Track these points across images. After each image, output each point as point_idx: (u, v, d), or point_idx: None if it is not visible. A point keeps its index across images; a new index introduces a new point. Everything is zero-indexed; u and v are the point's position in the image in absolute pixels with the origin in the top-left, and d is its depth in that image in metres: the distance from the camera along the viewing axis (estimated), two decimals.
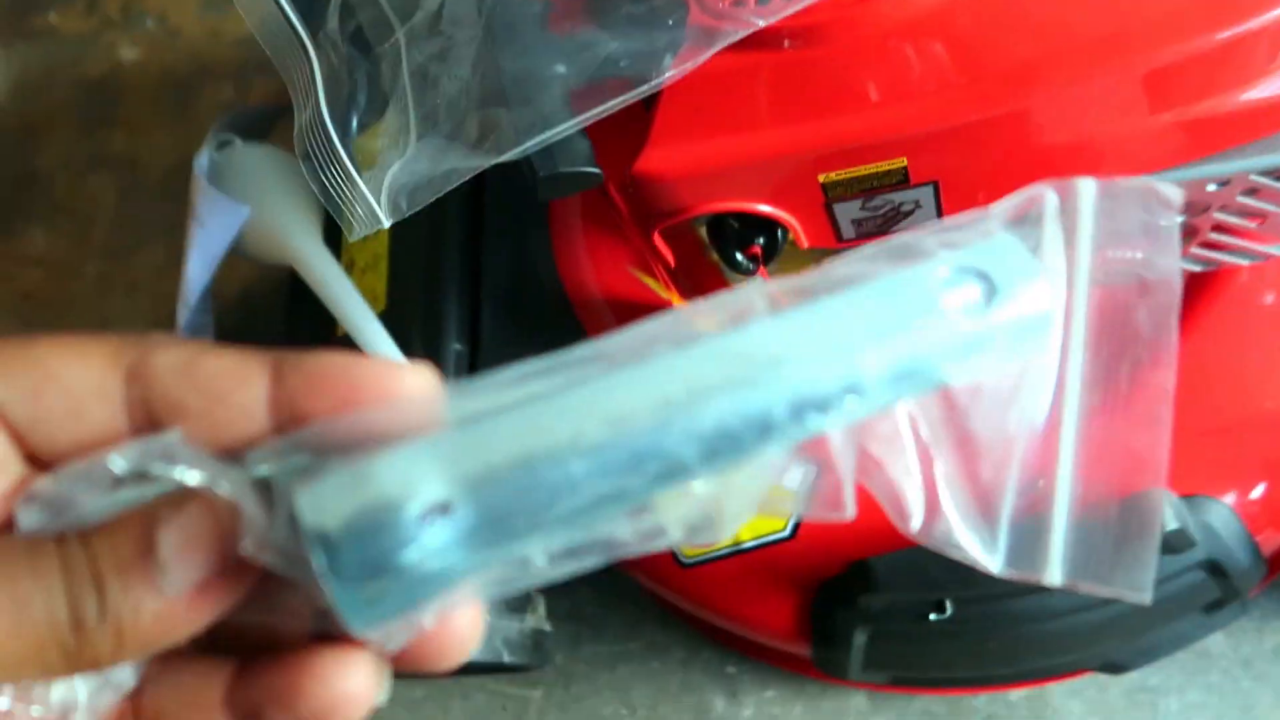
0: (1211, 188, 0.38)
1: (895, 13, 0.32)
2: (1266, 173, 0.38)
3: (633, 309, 0.55)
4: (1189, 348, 0.49)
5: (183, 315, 0.63)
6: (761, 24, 0.30)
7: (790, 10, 0.30)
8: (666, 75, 0.30)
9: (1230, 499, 0.48)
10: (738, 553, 0.50)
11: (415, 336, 0.51)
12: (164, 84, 0.98)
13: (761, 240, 0.40)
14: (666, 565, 0.52)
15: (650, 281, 0.51)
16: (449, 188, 0.29)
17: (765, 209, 0.37)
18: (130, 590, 0.15)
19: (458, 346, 0.52)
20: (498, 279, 0.54)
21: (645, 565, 0.54)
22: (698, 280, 0.50)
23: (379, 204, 0.29)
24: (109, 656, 0.15)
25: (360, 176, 0.28)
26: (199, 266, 0.60)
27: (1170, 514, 0.43)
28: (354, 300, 0.53)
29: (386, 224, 0.29)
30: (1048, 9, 0.31)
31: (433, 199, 0.29)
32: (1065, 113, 0.33)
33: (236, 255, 0.61)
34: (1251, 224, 0.41)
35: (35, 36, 1.04)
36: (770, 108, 0.33)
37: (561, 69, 0.33)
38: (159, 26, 1.00)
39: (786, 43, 0.32)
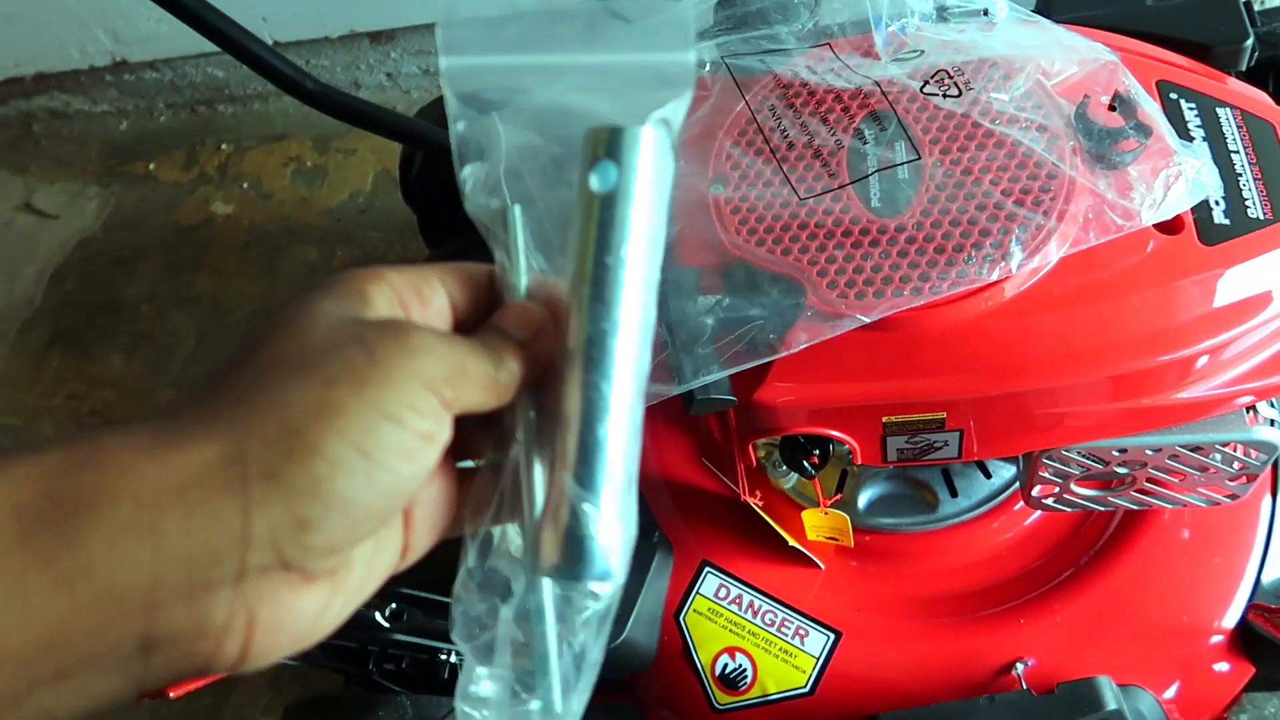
0: (1149, 452, 0.53)
1: (944, 318, 0.46)
2: (1186, 447, 0.52)
3: (692, 492, 0.67)
4: (1126, 569, 0.63)
5: None
6: (865, 320, 0.44)
7: (881, 312, 0.44)
8: (797, 347, 0.44)
9: (1154, 691, 0.60)
10: (765, 703, 0.61)
11: None
12: (252, 239, 1.11)
13: (818, 452, 0.54)
14: (699, 709, 0.63)
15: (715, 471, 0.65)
16: None
17: (836, 434, 0.50)
18: (509, 363, 0.29)
19: None
20: None
21: (679, 708, 0.64)
22: (757, 477, 0.64)
23: None
24: (506, 392, 0.29)
25: None
26: None
27: (1112, 697, 0.56)
28: None
29: None
30: (1048, 327, 0.46)
31: None
32: (1054, 396, 0.47)
33: None
34: (1175, 480, 0.56)
35: (133, 179, 1.17)
36: (856, 367, 0.47)
37: (710, 322, 0.47)
38: (253, 189, 1.13)
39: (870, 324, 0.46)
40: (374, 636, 0.58)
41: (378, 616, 0.57)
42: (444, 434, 0.27)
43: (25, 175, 1.20)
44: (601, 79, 0.30)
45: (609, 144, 0.27)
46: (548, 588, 0.29)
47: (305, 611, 0.25)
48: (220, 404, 0.25)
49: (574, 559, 0.27)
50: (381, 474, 0.25)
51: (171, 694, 0.51)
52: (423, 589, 0.63)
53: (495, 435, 0.30)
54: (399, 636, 0.59)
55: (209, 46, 0.73)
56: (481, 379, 0.28)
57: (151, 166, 1.19)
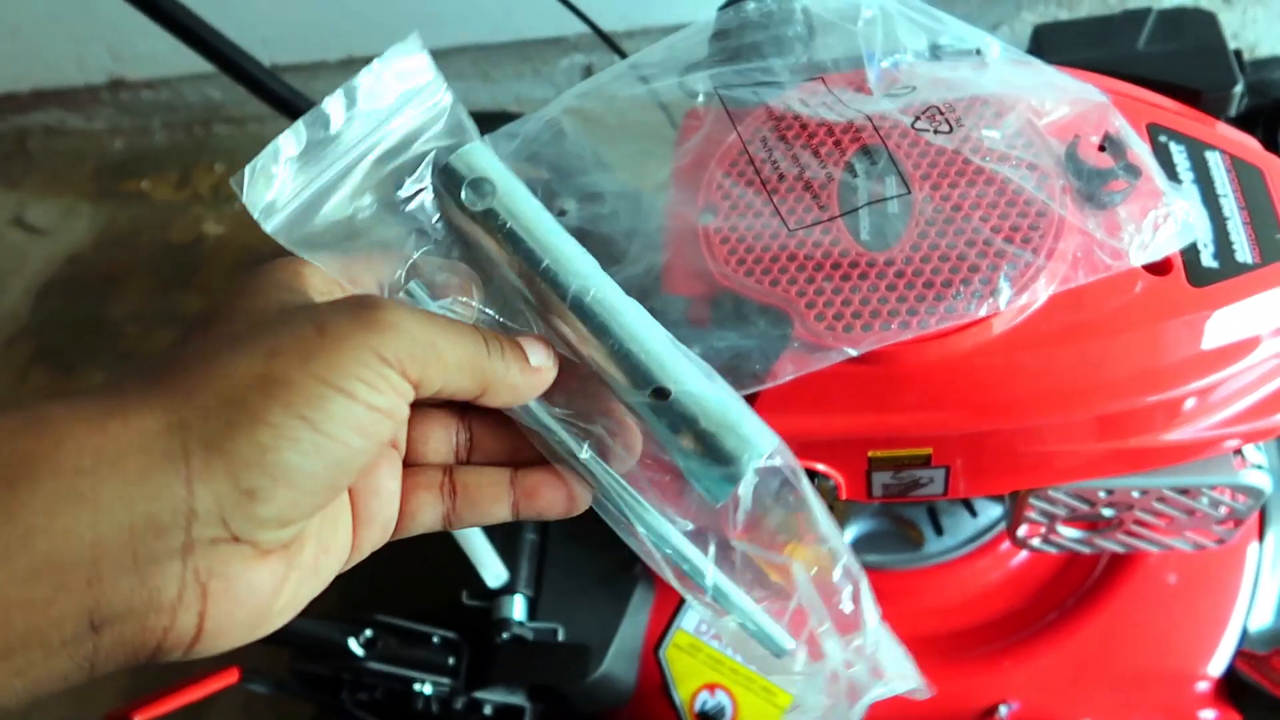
0: (1135, 494, 0.52)
1: (932, 353, 0.46)
2: (1172, 489, 0.52)
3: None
4: (1112, 613, 0.62)
5: None
6: (852, 353, 0.44)
7: (869, 345, 0.44)
8: (784, 378, 0.44)
9: None
10: None
11: None
12: (242, 260, 1.10)
13: None
14: None
15: None
16: None
17: (821, 467, 0.50)
18: (512, 356, 0.30)
19: (531, 537, 0.63)
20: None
21: None
22: None
23: None
24: (498, 386, 0.30)
25: None
26: None
27: None
28: None
29: None
30: (1036, 364, 0.46)
31: None
32: (1040, 435, 0.47)
33: None
34: (1161, 522, 0.56)
35: (126, 198, 1.17)
36: (842, 400, 0.47)
37: (696, 351, 0.47)
38: (245, 210, 1.12)
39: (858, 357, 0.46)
40: (347, 665, 0.57)
41: (352, 644, 0.56)
42: (402, 410, 0.27)
43: (18, 190, 1.20)
44: (388, 133, 0.33)
45: (464, 167, 0.33)
46: (711, 568, 0.32)
47: (260, 586, 0.25)
48: (163, 375, 0.25)
49: (724, 454, 0.31)
50: (331, 445, 0.25)
51: (136, 718, 0.50)
52: (400, 617, 0.62)
53: (514, 437, 0.32)
54: (373, 665, 0.58)
55: (207, 67, 0.73)
56: (460, 360, 0.28)
57: (145, 185, 1.19)
